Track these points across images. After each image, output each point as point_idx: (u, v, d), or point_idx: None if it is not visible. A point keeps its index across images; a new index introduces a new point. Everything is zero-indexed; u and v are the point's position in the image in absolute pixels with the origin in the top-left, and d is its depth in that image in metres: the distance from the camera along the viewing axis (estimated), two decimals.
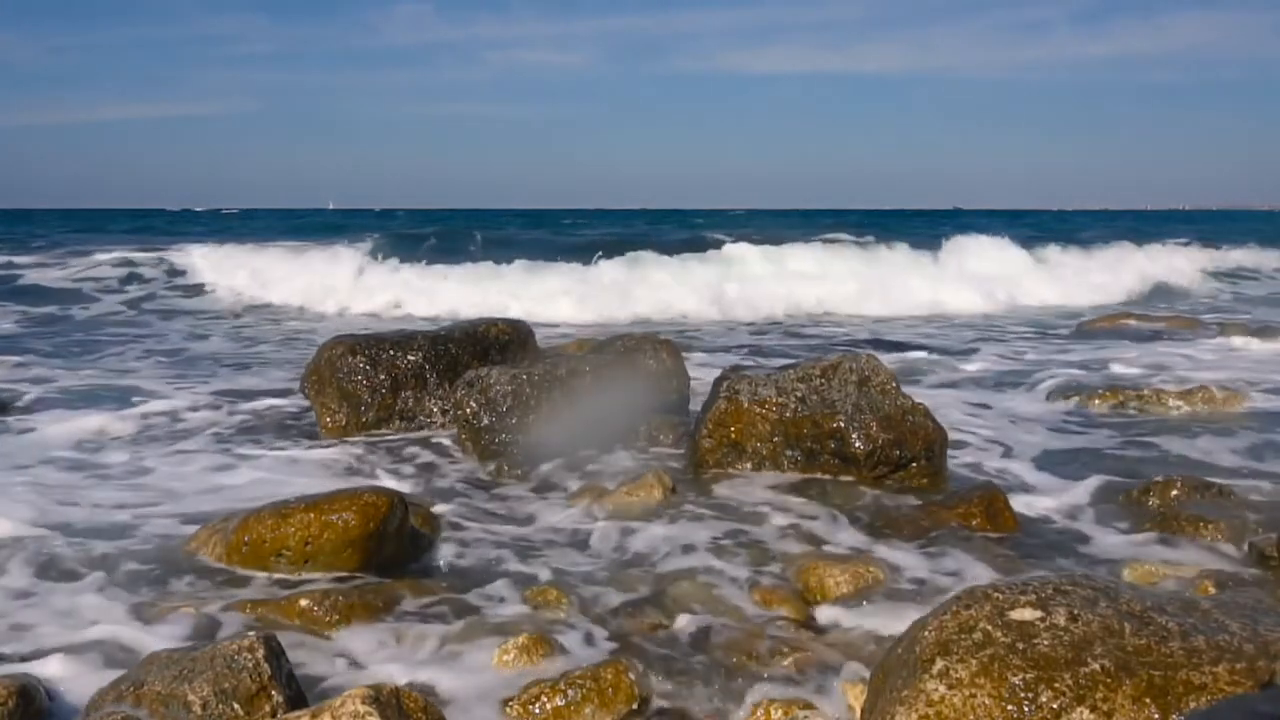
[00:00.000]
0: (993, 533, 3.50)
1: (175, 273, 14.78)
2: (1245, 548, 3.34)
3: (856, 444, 4.08)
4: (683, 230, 24.46)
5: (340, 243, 16.03)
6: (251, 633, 2.29)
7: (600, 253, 14.87)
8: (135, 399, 6.13)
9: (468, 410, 4.52)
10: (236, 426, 5.34)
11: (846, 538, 3.52)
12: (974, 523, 3.53)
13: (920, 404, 4.27)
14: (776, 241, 16.56)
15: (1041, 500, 3.93)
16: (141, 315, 12.17)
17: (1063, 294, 14.88)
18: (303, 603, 2.85)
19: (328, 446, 4.85)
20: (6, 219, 40.31)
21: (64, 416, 5.53)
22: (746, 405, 4.21)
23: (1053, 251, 17.64)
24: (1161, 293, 16.00)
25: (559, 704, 2.29)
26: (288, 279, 13.59)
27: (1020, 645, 2.01)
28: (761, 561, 3.27)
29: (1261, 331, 8.90)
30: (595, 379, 4.65)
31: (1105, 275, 16.14)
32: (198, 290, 13.86)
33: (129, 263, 15.20)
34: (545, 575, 3.19)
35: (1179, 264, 17.81)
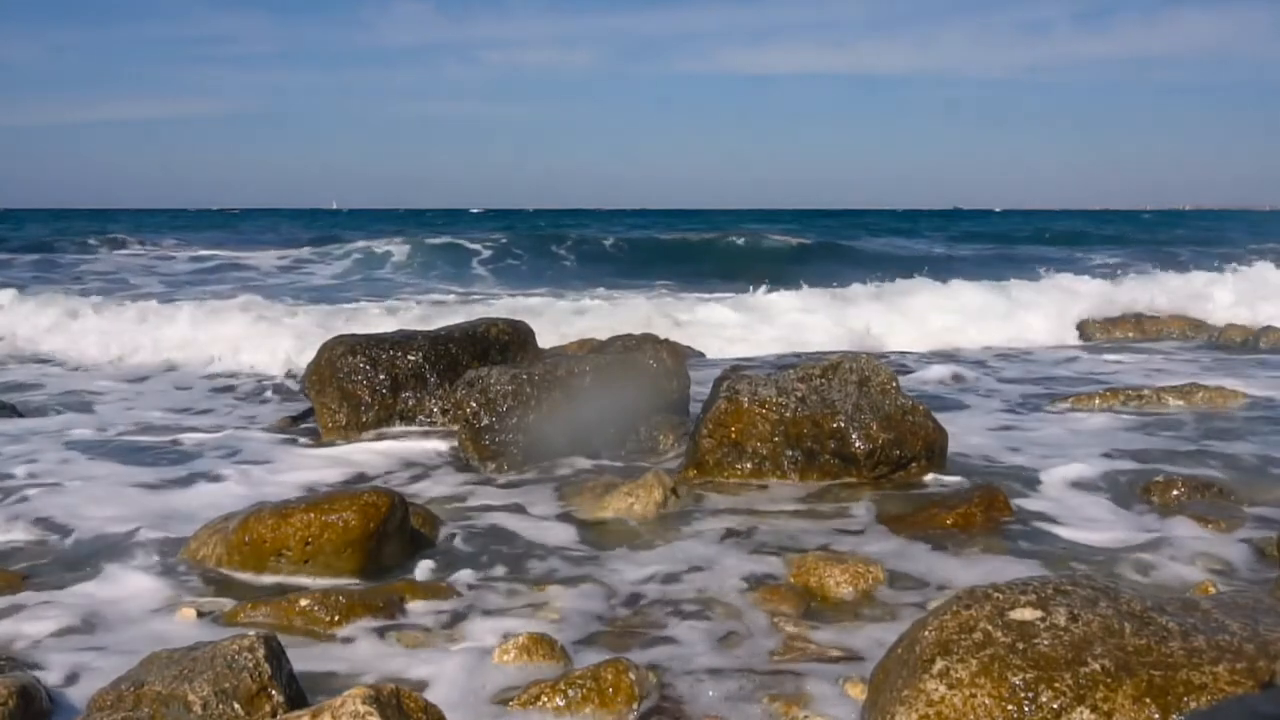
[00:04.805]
0: (993, 532, 3.50)
1: None
2: (1245, 547, 3.34)
3: (857, 444, 4.08)
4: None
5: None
6: (251, 633, 2.29)
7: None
8: (126, 403, 6.13)
9: (468, 410, 4.52)
10: (236, 427, 5.35)
11: (846, 538, 3.52)
12: (974, 522, 3.53)
13: (920, 404, 4.27)
14: None
15: (1042, 500, 3.92)
16: None
17: None
18: (303, 603, 2.85)
19: (328, 446, 4.85)
20: None
21: (57, 418, 5.54)
22: (747, 405, 4.20)
23: None
24: None
25: (559, 704, 2.29)
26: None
27: (1020, 645, 2.00)
28: (761, 561, 3.27)
29: (1264, 332, 8.88)
30: (595, 379, 4.65)
31: None
32: None
33: None
34: (545, 575, 3.19)
35: None
